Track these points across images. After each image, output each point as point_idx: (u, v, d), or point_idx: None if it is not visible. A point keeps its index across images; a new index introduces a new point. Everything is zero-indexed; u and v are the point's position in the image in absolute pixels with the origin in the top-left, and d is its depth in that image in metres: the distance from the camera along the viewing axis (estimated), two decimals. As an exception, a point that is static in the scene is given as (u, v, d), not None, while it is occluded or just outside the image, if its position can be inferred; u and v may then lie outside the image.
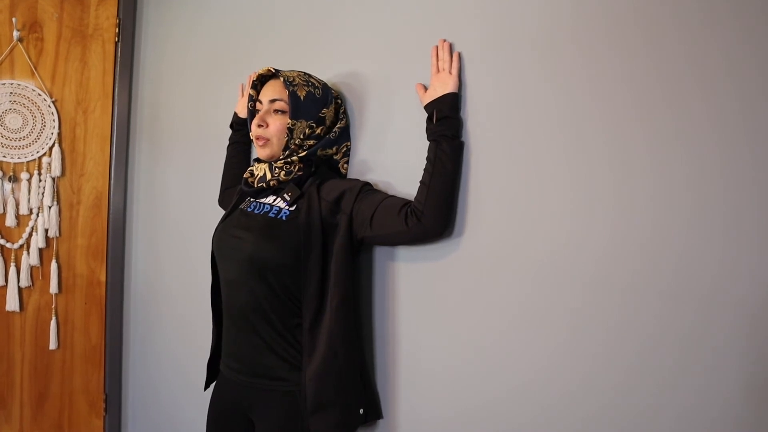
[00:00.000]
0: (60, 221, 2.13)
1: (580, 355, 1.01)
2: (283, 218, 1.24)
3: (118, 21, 2.16)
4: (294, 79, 1.27)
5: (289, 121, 1.26)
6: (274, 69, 1.30)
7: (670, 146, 0.92)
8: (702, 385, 0.88)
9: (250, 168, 1.37)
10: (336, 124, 1.36)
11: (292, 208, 1.25)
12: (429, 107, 1.18)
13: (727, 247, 0.86)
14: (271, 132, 1.28)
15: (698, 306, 0.89)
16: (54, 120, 2.09)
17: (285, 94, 1.27)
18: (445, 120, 1.15)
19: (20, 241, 2.08)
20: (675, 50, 0.91)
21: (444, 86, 1.17)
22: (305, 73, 1.32)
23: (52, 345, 2.12)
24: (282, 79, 1.27)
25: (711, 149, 0.88)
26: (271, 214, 1.26)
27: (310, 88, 1.28)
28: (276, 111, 1.28)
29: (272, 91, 1.29)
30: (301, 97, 1.26)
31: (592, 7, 1.01)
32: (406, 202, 1.17)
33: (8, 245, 2.07)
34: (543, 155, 1.07)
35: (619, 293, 0.97)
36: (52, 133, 2.09)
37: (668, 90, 0.92)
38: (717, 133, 0.87)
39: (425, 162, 1.17)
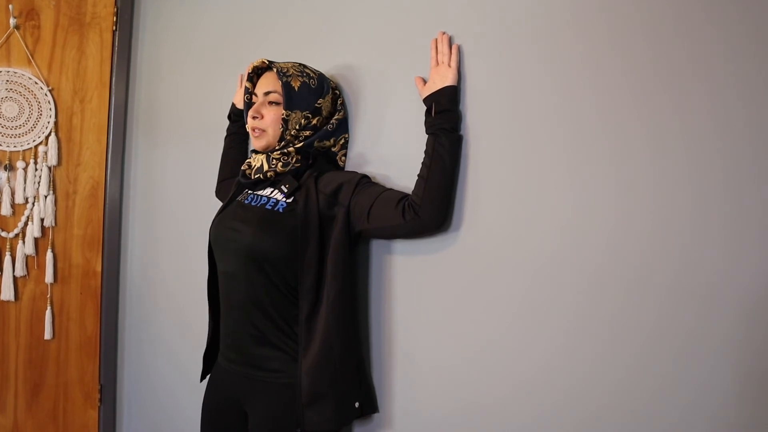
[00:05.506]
0: (56, 211, 2.11)
1: (580, 354, 1.01)
2: (280, 210, 1.24)
3: (116, 9, 2.14)
4: (288, 70, 1.27)
5: (284, 111, 1.26)
6: (268, 61, 1.30)
7: (671, 143, 0.91)
8: (701, 384, 0.88)
9: (247, 160, 1.36)
10: (334, 116, 1.35)
11: (290, 200, 1.25)
12: (428, 100, 1.17)
13: (727, 247, 0.86)
14: (266, 123, 1.28)
15: (698, 305, 0.88)
16: (50, 109, 2.08)
17: (279, 86, 1.27)
18: (444, 113, 1.15)
19: (15, 231, 2.07)
20: (677, 46, 0.91)
21: (443, 79, 1.16)
22: (300, 64, 1.32)
23: (47, 335, 2.11)
24: (275, 70, 1.26)
25: (712, 147, 0.87)
26: (268, 206, 1.26)
27: (304, 79, 1.28)
28: (270, 102, 1.28)
29: (266, 83, 1.29)
30: (296, 88, 1.26)
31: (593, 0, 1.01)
32: (403, 196, 1.17)
33: (3, 234, 2.06)
34: (543, 150, 1.06)
35: (619, 292, 0.96)
36: (48, 122, 2.08)
37: (669, 86, 0.91)
38: (718, 131, 0.87)
39: (423, 155, 1.17)
